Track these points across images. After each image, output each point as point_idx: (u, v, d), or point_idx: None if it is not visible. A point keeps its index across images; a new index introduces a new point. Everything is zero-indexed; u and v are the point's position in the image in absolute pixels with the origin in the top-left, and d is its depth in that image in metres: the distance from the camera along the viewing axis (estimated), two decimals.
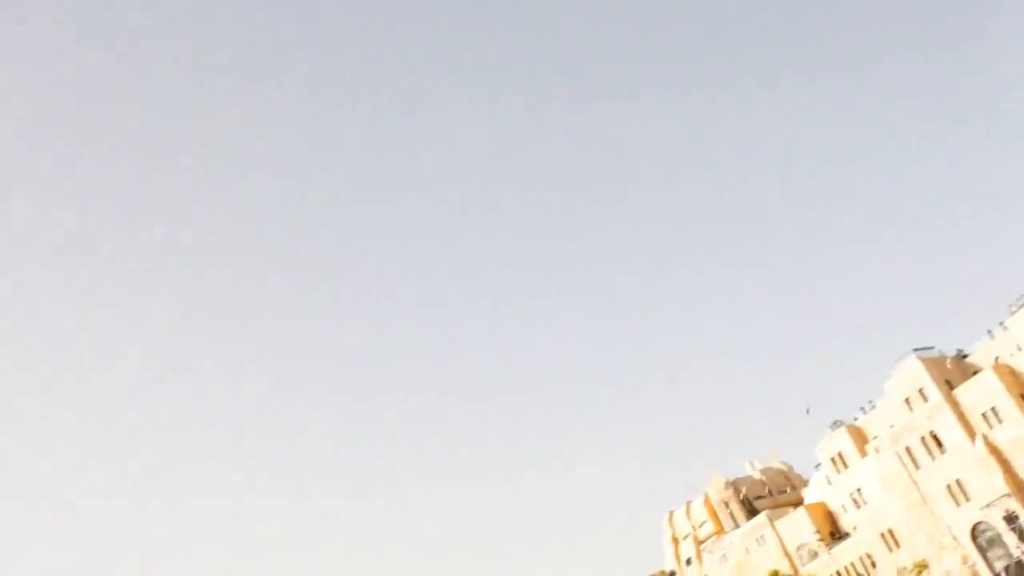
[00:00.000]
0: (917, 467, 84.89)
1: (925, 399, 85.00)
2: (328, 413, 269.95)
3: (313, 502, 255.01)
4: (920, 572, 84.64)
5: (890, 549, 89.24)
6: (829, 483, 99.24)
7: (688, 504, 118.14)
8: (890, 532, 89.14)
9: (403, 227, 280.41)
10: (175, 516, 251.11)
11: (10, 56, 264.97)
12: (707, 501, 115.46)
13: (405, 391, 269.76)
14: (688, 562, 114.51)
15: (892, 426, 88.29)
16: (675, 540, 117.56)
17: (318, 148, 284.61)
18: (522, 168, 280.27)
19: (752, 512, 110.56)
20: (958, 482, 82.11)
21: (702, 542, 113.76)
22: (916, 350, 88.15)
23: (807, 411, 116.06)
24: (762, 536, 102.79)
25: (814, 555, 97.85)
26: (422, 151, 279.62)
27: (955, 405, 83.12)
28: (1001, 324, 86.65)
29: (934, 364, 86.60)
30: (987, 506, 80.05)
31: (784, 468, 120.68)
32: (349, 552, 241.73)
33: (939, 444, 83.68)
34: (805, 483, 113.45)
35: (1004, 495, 78.87)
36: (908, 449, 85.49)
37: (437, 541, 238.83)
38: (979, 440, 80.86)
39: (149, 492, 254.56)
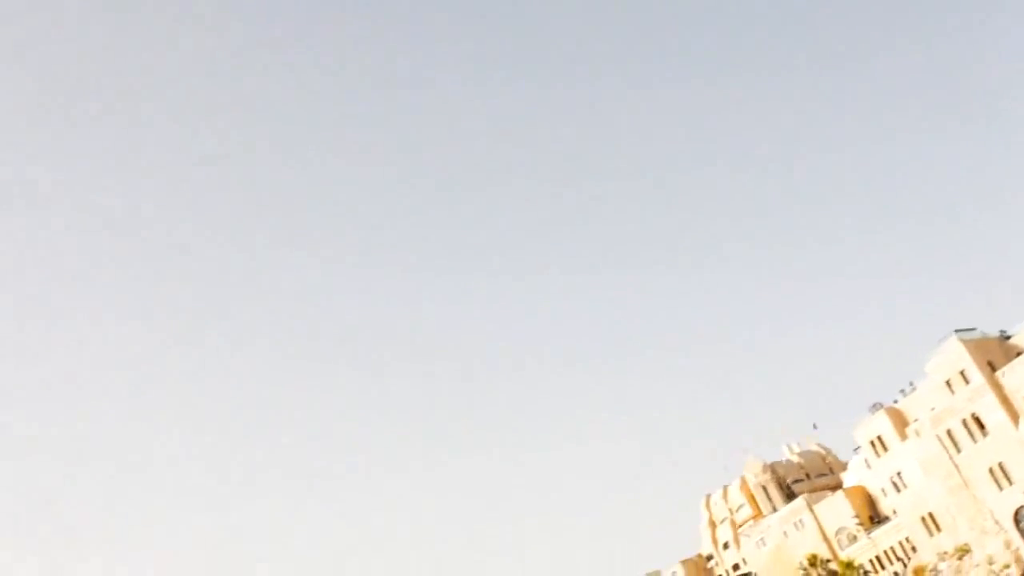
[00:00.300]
0: (959, 450, 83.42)
1: (967, 381, 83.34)
2: (358, 389, 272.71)
3: (334, 482, 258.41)
4: (962, 557, 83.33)
5: (931, 533, 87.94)
6: (868, 467, 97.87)
7: (725, 488, 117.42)
8: (931, 516, 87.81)
9: (423, 209, 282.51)
10: (175, 498, 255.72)
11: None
12: (744, 485, 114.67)
13: (434, 370, 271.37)
14: (726, 546, 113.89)
15: (933, 409, 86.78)
16: (712, 524, 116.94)
17: (323, 131, 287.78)
18: (539, 147, 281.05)
19: (790, 496, 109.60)
20: (1001, 465, 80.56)
21: (739, 526, 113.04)
22: (958, 331, 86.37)
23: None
24: (800, 520, 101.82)
25: (853, 539, 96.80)
26: (427, 140, 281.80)
27: (998, 387, 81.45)
28: None
29: (976, 345, 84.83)
30: None
31: (822, 451, 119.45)
32: (377, 528, 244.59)
33: (981, 427, 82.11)
34: (844, 466, 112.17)
35: None
36: (949, 432, 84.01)
37: (468, 520, 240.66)
38: (1023, 423, 79.28)
39: (151, 479, 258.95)
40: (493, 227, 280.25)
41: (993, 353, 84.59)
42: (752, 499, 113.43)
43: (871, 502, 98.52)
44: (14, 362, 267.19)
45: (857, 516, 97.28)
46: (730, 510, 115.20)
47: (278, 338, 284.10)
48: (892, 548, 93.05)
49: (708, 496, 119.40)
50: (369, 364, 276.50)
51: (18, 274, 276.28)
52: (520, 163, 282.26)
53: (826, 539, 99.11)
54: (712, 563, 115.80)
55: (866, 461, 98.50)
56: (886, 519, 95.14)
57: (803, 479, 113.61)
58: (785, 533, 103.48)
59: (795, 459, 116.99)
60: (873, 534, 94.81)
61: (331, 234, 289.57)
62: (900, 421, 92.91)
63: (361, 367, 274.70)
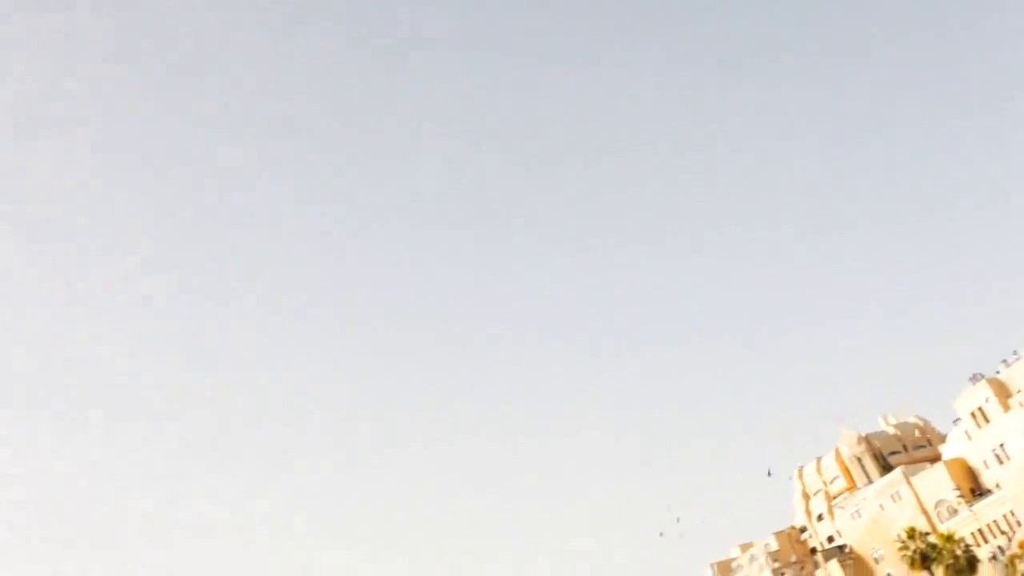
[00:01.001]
0: None
1: None
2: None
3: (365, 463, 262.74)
4: None
5: None
6: (969, 438, 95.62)
7: (819, 460, 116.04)
8: None
9: (428, 198, 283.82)
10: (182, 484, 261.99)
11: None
12: (838, 456, 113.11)
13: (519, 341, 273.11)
14: (819, 518, 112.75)
15: None
16: (805, 496, 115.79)
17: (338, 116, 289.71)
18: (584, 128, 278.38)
19: (886, 468, 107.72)
20: None
21: (834, 498, 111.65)
22: None
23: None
24: (897, 492, 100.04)
25: (954, 512, 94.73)
26: (435, 125, 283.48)
27: None
28: None
29: None
30: None
31: (919, 423, 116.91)
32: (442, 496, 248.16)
33: None
34: (942, 439, 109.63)
35: None
36: None
37: (567, 492, 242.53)
38: None
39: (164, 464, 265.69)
40: (494, 224, 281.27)
41: None
42: (846, 471, 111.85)
43: (972, 474, 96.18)
44: (17, 359, 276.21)
45: (957, 488, 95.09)
46: (824, 482, 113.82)
47: (282, 320, 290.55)
48: (995, 521, 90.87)
49: (801, 468, 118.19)
50: (370, 351, 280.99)
51: (29, 256, 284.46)
52: (523, 155, 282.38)
53: (924, 512, 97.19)
54: (806, 535, 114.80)
55: (966, 433, 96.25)
56: (988, 492, 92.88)
57: (900, 451, 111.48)
58: (881, 505, 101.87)
59: (891, 431, 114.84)
60: (975, 507, 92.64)
61: (328, 223, 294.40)
62: (1003, 392, 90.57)
63: (363, 352, 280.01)
